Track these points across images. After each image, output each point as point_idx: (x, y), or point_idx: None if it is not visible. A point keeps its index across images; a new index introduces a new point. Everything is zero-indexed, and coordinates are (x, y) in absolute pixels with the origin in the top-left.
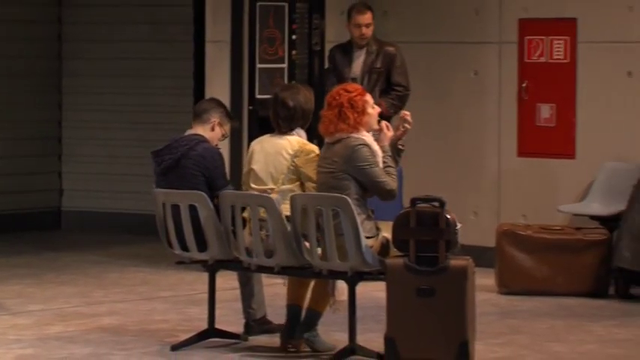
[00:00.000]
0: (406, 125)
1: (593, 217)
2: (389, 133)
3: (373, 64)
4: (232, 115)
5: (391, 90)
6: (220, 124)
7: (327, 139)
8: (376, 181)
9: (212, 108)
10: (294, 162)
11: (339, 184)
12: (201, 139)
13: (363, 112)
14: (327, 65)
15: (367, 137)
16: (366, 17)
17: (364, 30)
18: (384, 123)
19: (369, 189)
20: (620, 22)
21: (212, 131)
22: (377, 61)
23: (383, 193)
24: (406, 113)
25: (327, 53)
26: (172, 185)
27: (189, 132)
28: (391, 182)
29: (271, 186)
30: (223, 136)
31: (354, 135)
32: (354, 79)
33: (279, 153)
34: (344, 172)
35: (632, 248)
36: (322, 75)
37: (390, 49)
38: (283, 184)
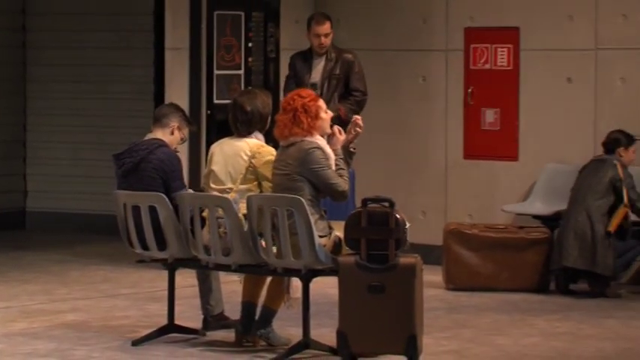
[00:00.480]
0: (357, 129)
1: (535, 217)
2: (341, 137)
3: (332, 71)
4: (190, 119)
5: (349, 95)
6: (179, 128)
7: (282, 143)
8: (329, 182)
9: (171, 113)
10: (251, 163)
11: (293, 186)
12: (161, 143)
13: (317, 116)
14: (287, 72)
15: (320, 141)
16: (325, 27)
17: (323, 39)
18: (336, 127)
19: (322, 190)
20: (560, 30)
21: (171, 135)
22: (336, 68)
23: (335, 194)
24: (357, 117)
25: (282, 60)
26: (133, 187)
27: (149, 136)
28: (343, 184)
29: (230, 185)
30: (182, 140)
31: (308, 139)
32: (313, 85)
33: (238, 154)
34: (298, 174)
35: (576, 247)
36: (279, 81)
37: (349, 56)
38: (242, 183)
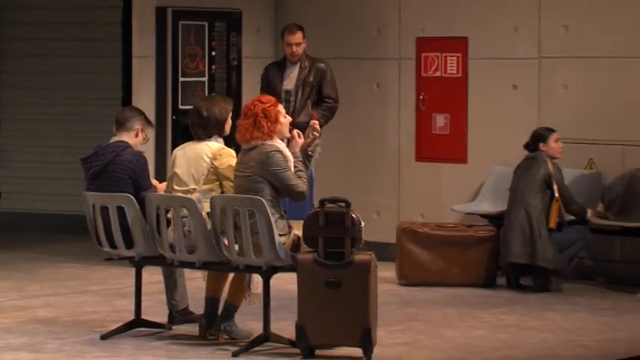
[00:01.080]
0: (315, 133)
1: (482, 216)
2: (300, 141)
3: (306, 79)
4: (149, 120)
5: (322, 102)
6: (142, 130)
7: (243, 146)
8: (288, 184)
9: (134, 116)
10: (213, 164)
11: (254, 187)
12: (126, 145)
13: (276, 121)
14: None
15: (280, 144)
16: (297, 37)
17: (295, 48)
18: (295, 131)
19: (282, 191)
20: (506, 40)
21: (136, 137)
22: (309, 76)
23: (294, 195)
24: (315, 122)
25: (244, 68)
26: (102, 188)
27: (114, 139)
28: (302, 185)
29: (193, 186)
30: (145, 140)
31: (268, 142)
32: (287, 92)
33: (200, 157)
34: (259, 175)
35: (518, 244)
36: (241, 88)
37: (321, 65)
38: (204, 184)
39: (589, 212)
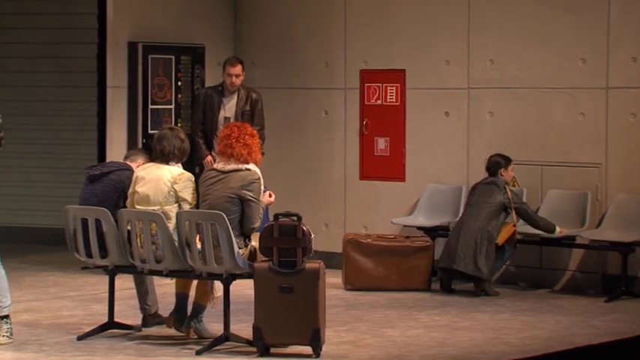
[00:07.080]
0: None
1: (419, 228)
2: (270, 200)
3: (243, 108)
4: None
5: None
6: (143, 164)
7: (224, 167)
8: (251, 214)
9: (139, 153)
10: (173, 188)
11: (228, 207)
12: (129, 168)
13: (259, 153)
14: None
15: (259, 172)
16: (237, 69)
17: (234, 79)
18: (269, 192)
19: (244, 215)
20: (439, 73)
21: (137, 167)
22: (246, 105)
23: (248, 225)
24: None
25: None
26: (95, 192)
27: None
28: (258, 222)
29: (153, 207)
30: None
31: (252, 167)
32: (227, 119)
33: (162, 180)
34: (238, 196)
35: (467, 255)
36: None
37: (254, 94)
38: (164, 205)
39: (557, 229)
